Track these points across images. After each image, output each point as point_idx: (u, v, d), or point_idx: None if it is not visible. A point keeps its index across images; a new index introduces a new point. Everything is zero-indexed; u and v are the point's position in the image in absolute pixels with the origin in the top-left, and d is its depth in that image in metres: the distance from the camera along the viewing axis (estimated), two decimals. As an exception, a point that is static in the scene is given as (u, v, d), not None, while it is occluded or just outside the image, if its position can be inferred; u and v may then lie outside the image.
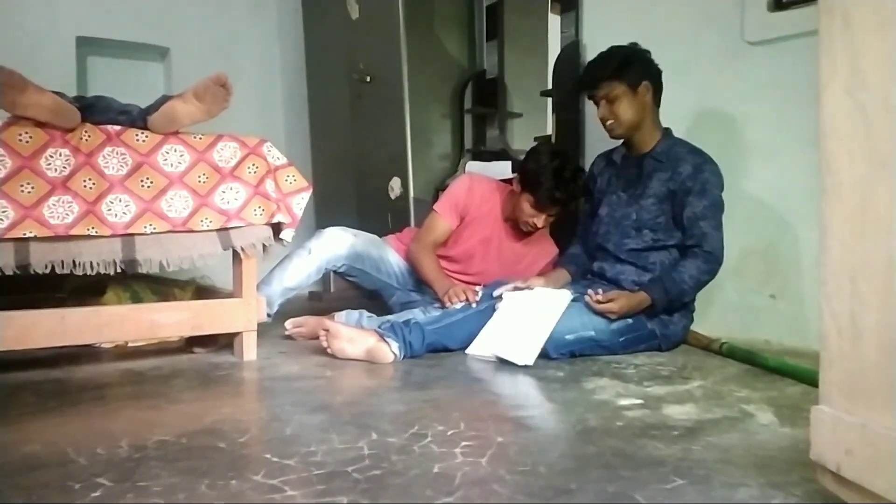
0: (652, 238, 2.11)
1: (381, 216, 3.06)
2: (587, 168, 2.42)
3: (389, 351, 1.90)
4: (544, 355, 1.91)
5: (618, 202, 2.19)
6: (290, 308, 2.42)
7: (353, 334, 1.94)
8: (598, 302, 1.96)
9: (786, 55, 2.14)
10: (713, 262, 2.02)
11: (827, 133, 0.85)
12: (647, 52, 2.13)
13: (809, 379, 1.62)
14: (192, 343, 2.07)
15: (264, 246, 1.93)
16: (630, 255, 2.14)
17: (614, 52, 2.12)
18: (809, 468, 0.96)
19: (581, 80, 2.21)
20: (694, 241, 2.03)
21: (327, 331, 1.94)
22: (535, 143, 2.57)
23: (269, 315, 2.17)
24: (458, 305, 2.12)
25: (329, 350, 1.93)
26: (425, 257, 2.41)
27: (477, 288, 2.19)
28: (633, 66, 2.08)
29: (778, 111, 2.18)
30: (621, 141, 2.20)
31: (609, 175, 2.27)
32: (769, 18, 2.18)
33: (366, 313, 2.36)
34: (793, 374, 1.70)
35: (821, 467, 0.90)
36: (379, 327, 1.99)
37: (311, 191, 2.02)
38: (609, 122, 2.12)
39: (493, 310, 2.07)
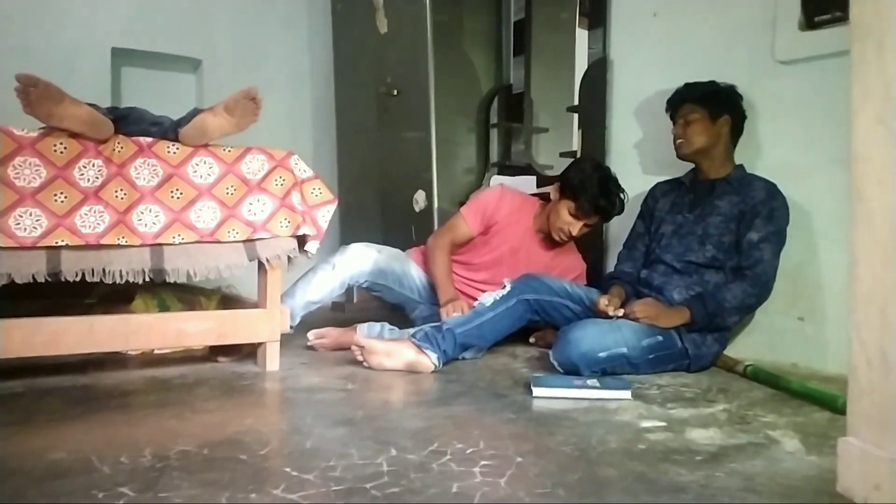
0: (713, 255, 2.10)
1: (406, 229, 3.07)
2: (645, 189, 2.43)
3: (429, 362, 1.95)
4: (575, 372, 1.90)
5: (683, 221, 2.21)
6: (313, 318, 2.43)
7: (390, 348, 1.97)
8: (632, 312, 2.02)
9: (817, 75, 2.12)
10: (761, 287, 2.02)
11: (858, 160, 0.83)
12: (740, 95, 2.20)
13: (833, 405, 1.59)
14: (216, 352, 2.10)
15: (289, 258, 1.96)
16: (686, 267, 2.13)
17: (710, 83, 2.20)
18: (836, 500, 0.94)
19: (670, 98, 2.27)
20: (749, 262, 2.03)
21: (362, 347, 1.98)
22: (577, 158, 2.62)
23: (291, 327, 2.19)
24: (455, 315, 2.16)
25: (365, 364, 1.97)
26: (440, 256, 2.44)
27: (505, 280, 2.19)
28: (718, 99, 2.16)
29: (807, 131, 2.15)
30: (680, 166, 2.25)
31: (675, 196, 2.29)
32: (800, 37, 2.16)
33: (387, 325, 2.37)
34: (817, 399, 1.67)
35: (848, 501, 0.88)
36: (413, 336, 2.00)
37: (336, 203, 2.04)
38: (679, 141, 2.20)
39: (522, 305, 2.09)
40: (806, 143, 2.16)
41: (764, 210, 2.05)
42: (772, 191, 2.09)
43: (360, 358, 1.98)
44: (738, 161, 2.21)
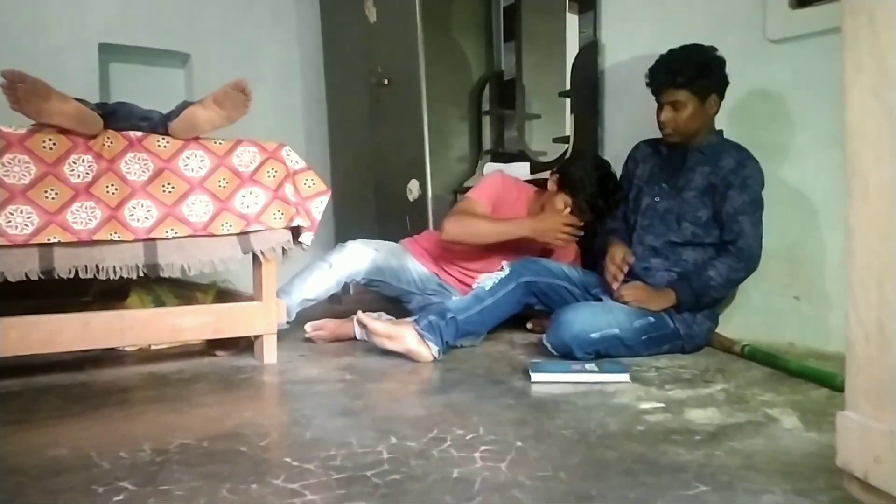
0: (692, 232, 2.09)
1: (400, 218, 3.06)
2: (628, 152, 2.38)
3: (429, 353, 1.95)
4: (569, 354, 1.91)
5: (660, 193, 2.17)
6: (310, 311, 2.43)
7: (392, 331, 1.97)
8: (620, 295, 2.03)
9: (809, 53, 2.11)
10: (747, 259, 2.02)
11: (852, 134, 0.83)
12: (723, 60, 2.06)
13: (831, 383, 1.59)
14: (213, 346, 2.09)
15: (284, 249, 1.95)
16: (666, 248, 2.12)
17: (693, 56, 2.03)
18: (835, 475, 0.95)
19: (652, 76, 2.09)
20: (731, 236, 2.03)
21: (365, 326, 1.99)
22: (578, 152, 2.59)
23: (287, 322, 2.19)
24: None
25: (366, 339, 2.00)
26: (475, 219, 2.32)
27: (503, 263, 2.17)
28: (708, 77, 2.03)
29: (801, 110, 2.15)
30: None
31: (653, 164, 2.24)
32: (791, 15, 2.15)
33: (384, 315, 2.36)
34: (814, 377, 1.68)
35: (847, 474, 0.88)
36: (417, 322, 1.99)
37: (329, 194, 2.03)
38: (667, 130, 2.09)
39: (522, 288, 2.09)
40: (799, 122, 2.15)
41: (736, 180, 2.02)
42: (741, 159, 2.05)
43: (361, 336, 1.98)
44: (728, 139, 2.16)
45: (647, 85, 2.12)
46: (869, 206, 0.81)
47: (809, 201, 2.13)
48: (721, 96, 2.10)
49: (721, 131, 2.16)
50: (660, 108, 2.10)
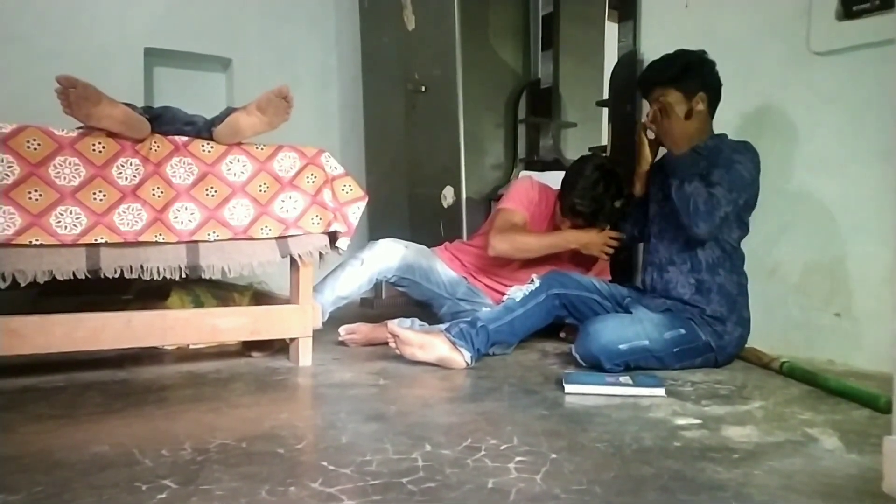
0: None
1: (434, 225, 3.07)
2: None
3: (462, 360, 1.96)
4: (598, 366, 1.90)
5: (665, 199, 2.13)
6: (343, 314, 2.46)
7: (424, 340, 1.98)
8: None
9: (854, 66, 2.07)
10: (707, 207, 1.92)
11: (905, 154, 0.82)
12: (712, 61, 2.08)
13: (872, 403, 1.56)
14: (249, 347, 2.12)
15: (320, 254, 1.97)
16: (680, 253, 2.10)
17: (676, 58, 2.09)
18: (879, 498, 0.93)
19: (639, 80, 2.18)
20: None
21: (397, 336, 1.99)
22: (583, 156, 2.56)
23: (322, 323, 2.21)
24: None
25: (397, 352, 1.99)
26: (521, 235, 2.36)
27: (533, 276, 2.18)
28: (691, 75, 2.06)
29: (844, 123, 2.11)
30: None
31: (658, 172, 2.21)
32: (837, 28, 2.11)
33: (417, 321, 2.38)
34: (856, 397, 1.64)
35: (893, 501, 0.86)
36: (448, 331, 2.01)
37: (366, 200, 2.06)
38: (655, 129, 2.10)
39: (552, 300, 2.09)
40: (842, 135, 2.11)
41: (724, 161, 1.99)
42: (737, 146, 2.03)
43: (393, 346, 2.00)
44: (770, 152, 2.13)
45: (639, 91, 2.15)
46: (921, 228, 0.80)
47: (853, 215, 2.09)
48: (710, 96, 2.08)
49: (724, 135, 2.13)
50: (650, 112, 2.10)
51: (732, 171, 1.97)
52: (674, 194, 1.98)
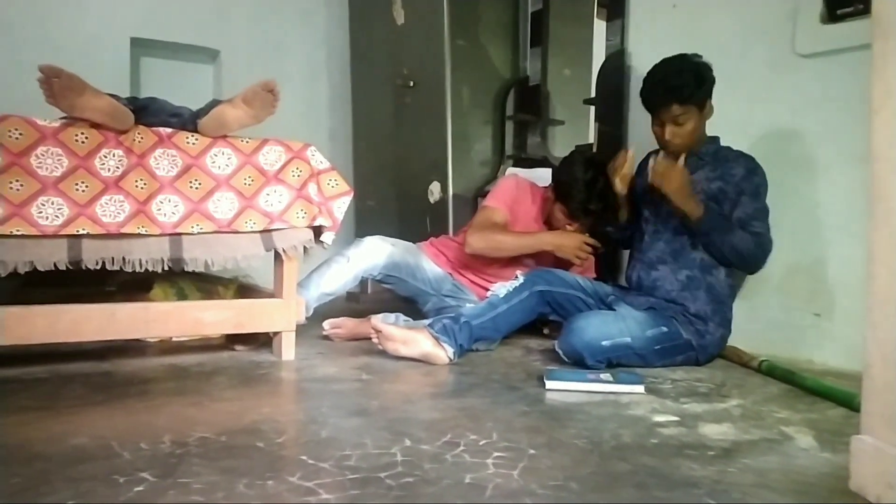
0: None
1: (421, 220, 3.08)
2: (638, 162, 2.35)
3: (445, 355, 1.96)
4: (580, 362, 1.92)
5: (659, 199, 2.14)
6: (328, 309, 2.45)
7: (407, 336, 1.98)
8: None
9: (838, 68, 2.09)
10: (761, 251, 2.01)
11: (878, 159, 0.83)
12: (709, 64, 2.06)
13: (848, 402, 1.58)
14: (232, 340, 2.12)
15: (305, 248, 1.97)
16: (674, 252, 2.12)
17: (685, 71, 2.03)
18: (849, 496, 0.95)
19: (650, 97, 2.09)
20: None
21: (380, 332, 1.99)
22: (572, 152, 2.56)
23: (306, 318, 2.21)
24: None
25: (380, 347, 2.00)
26: (498, 234, 2.36)
27: (518, 273, 2.20)
28: (705, 87, 2.05)
29: (828, 125, 2.13)
30: None
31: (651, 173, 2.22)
32: (822, 31, 2.13)
33: (402, 316, 2.39)
34: (833, 396, 1.66)
35: (861, 498, 0.88)
36: (430, 326, 2.01)
37: (352, 195, 2.06)
38: (674, 145, 2.07)
39: (536, 297, 2.10)
40: (826, 137, 2.13)
41: (748, 187, 2.04)
42: (752, 168, 2.07)
43: (376, 341, 2.00)
44: (754, 153, 2.14)
45: (644, 104, 2.12)
46: (891, 231, 0.81)
47: (835, 217, 2.11)
48: (711, 98, 2.11)
49: (717, 137, 2.17)
50: (661, 126, 2.09)
51: (759, 198, 2.05)
52: (718, 250, 2.04)
